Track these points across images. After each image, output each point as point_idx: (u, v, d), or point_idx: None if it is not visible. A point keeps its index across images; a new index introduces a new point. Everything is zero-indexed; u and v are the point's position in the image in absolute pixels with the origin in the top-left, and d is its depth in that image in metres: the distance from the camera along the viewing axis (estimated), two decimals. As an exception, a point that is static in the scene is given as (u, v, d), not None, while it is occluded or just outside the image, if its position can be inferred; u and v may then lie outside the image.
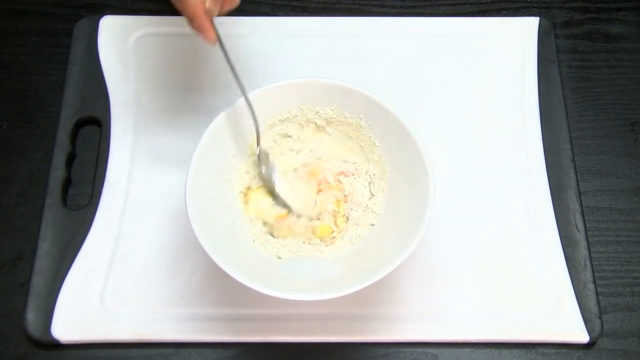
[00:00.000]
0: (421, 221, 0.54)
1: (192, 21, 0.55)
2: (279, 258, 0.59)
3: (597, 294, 0.62)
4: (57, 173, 0.67)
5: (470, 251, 0.64)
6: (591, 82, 0.74)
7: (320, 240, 0.60)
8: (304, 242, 0.61)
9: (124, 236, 0.64)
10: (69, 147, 0.68)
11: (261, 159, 0.61)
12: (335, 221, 0.61)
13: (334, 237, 0.61)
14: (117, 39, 0.73)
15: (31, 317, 0.60)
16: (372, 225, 0.61)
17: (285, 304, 0.52)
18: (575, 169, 0.68)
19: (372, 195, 0.62)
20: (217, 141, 0.58)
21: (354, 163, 0.63)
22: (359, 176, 0.63)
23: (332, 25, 0.75)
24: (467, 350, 0.61)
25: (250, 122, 0.60)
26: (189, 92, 0.71)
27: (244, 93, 0.58)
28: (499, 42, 0.74)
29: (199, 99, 0.70)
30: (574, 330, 0.61)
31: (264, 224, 0.61)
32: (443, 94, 0.71)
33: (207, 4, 0.55)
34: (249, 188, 0.62)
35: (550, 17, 0.77)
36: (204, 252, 0.52)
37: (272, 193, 0.61)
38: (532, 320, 0.61)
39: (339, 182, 0.62)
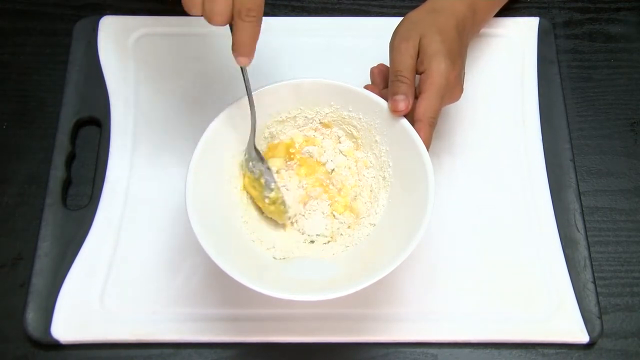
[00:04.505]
0: (421, 221, 0.54)
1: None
2: (279, 258, 0.59)
3: (597, 294, 0.62)
4: (57, 173, 0.67)
5: (470, 251, 0.64)
6: (591, 82, 0.74)
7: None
8: (304, 242, 0.61)
9: (124, 236, 0.64)
10: (69, 147, 0.68)
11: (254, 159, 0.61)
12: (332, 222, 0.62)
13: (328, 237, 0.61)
14: (117, 39, 0.73)
15: (31, 317, 0.60)
16: (373, 225, 0.61)
17: (285, 304, 0.52)
18: (575, 169, 0.68)
19: (373, 195, 0.62)
20: (217, 141, 0.58)
21: (355, 163, 0.63)
22: (359, 176, 0.63)
23: (332, 25, 0.75)
24: (467, 350, 0.61)
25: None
26: (189, 92, 0.71)
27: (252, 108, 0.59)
28: (499, 42, 0.74)
29: (198, 99, 0.70)
30: (574, 330, 0.61)
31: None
32: (443, 94, 0.71)
33: None
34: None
35: (550, 17, 0.77)
36: (204, 252, 0.52)
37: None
38: (532, 320, 0.61)
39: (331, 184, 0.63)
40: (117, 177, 0.66)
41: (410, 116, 0.58)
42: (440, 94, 0.58)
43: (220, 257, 0.52)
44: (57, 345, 0.60)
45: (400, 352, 0.61)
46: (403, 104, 0.57)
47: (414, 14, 0.63)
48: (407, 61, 0.59)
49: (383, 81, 0.63)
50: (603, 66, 0.75)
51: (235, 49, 0.52)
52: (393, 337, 0.61)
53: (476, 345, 0.61)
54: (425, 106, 0.57)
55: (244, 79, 0.57)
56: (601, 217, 0.67)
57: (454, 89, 0.60)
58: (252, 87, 0.58)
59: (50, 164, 0.67)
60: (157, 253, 0.63)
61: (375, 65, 0.66)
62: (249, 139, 0.60)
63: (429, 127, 0.57)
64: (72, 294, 0.61)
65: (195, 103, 0.70)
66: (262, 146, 0.63)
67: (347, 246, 0.60)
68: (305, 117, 0.63)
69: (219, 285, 0.62)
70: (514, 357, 0.61)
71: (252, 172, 0.60)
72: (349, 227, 0.61)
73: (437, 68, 0.58)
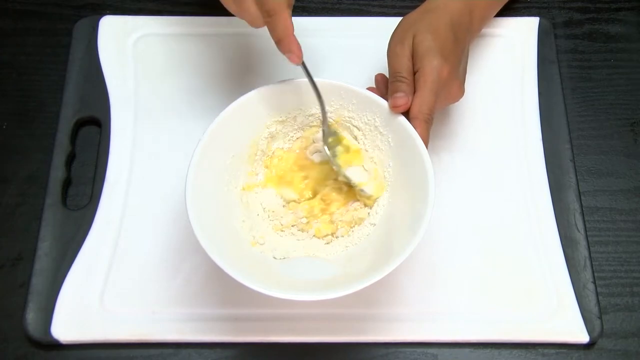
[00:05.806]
0: (421, 221, 0.54)
1: (280, 42, 0.57)
2: (279, 258, 0.59)
3: (597, 294, 0.62)
4: (57, 173, 0.67)
5: (470, 251, 0.64)
6: (591, 82, 0.74)
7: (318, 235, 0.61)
8: (301, 240, 0.61)
9: (124, 236, 0.64)
10: (69, 147, 0.68)
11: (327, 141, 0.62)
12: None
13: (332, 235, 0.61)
14: (117, 39, 0.73)
15: (31, 317, 0.60)
16: (373, 225, 0.61)
17: (285, 304, 0.52)
18: (575, 169, 0.68)
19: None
20: (217, 141, 0.58)
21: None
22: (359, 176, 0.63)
23: (332, 25, 0.75)
24: (467, 350, 0.61)
25: (251, 122, 0.60)
26: (189, 92, 0.71)
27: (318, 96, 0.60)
28: (499, 42, 0.74)
29: (198, 99, 0.70)
30: (574, 330, 0.61)
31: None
32: (443, 94, 0.71)
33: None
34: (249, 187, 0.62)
35: (550, 17, 0.77)
36: (204, 252, 0.52)
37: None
38: (532, 320, 0.61)
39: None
40: (117, 177, 0.66)
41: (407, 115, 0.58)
42: (434, 91, 0.58)
43: (220, 257, 0.52)
44: (57, 345, 0.60)
45: (400, 352, 0.61)
46: (402, 100, 0.58)
47: (409, 16, 0.64)
48: (404, 63, 0.59)
49: (385, 87, 0.64)
50: (603, 66, 0.75)
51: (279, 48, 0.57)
52: (393, 337, 0.61)
53: (476, 345, 0.61)
54: (419, 103, 0.58)
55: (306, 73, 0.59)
56: (601, 217, 0.67)
57: (449, 85, 0.60)
58: (252, 87, 0.58)
59: (50, 164, 0.67)
60: (157, 253, 0.63)
61: (377, 69, 0.66)
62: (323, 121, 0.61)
63: (425, 124, 0.58)
64: (72, 294, 0.61)
65: (195, 103, 0.70)
66: (262, 146, 0.63)
67: (347, 246, 0.60)
68: (305, 117, 0.63)
69: (219, 285, 0.62)
70: (514, 357, 0.61)
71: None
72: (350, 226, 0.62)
73: (429, 65, 0.58)
